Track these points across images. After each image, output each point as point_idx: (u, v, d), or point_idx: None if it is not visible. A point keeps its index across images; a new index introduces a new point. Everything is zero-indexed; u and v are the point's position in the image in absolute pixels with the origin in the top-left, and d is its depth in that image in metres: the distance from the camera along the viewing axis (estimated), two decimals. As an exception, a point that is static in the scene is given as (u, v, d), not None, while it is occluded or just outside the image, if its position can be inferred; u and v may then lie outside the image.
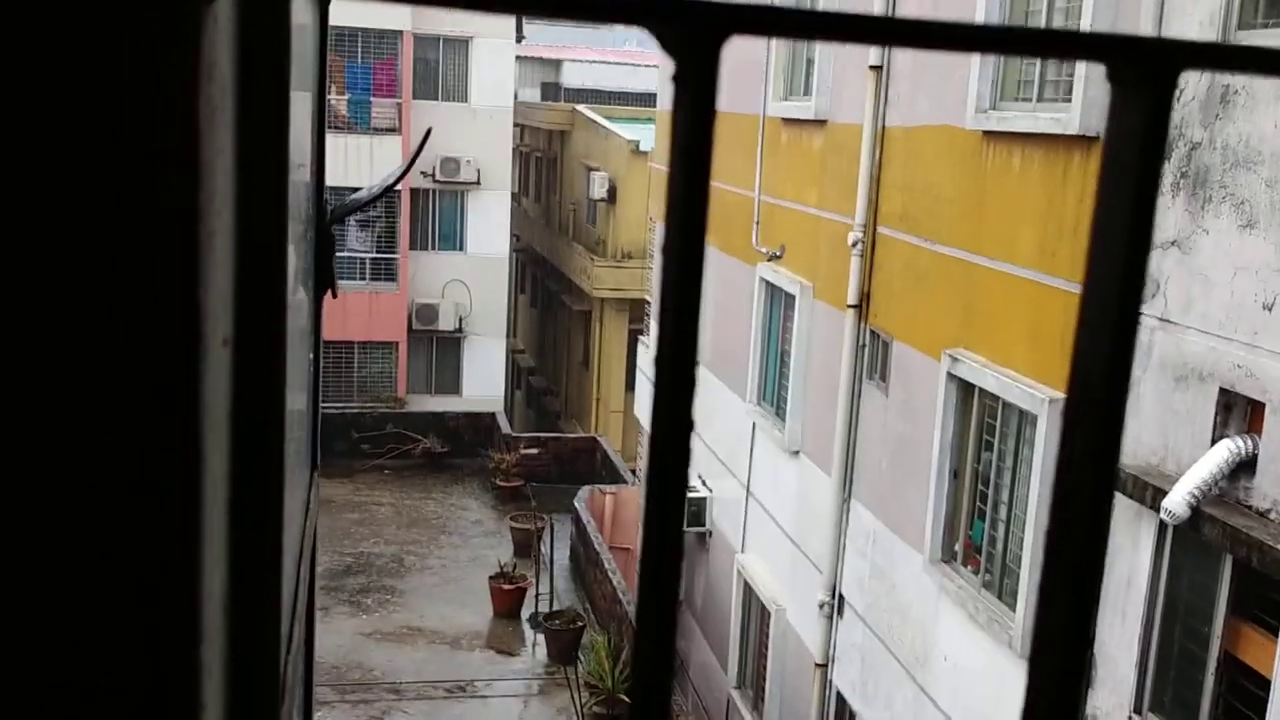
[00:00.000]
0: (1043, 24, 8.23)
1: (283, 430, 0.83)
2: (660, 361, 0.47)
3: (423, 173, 26.34)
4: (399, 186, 25.78)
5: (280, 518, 0.83)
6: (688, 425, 0.49)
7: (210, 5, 0.49)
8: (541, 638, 17.31)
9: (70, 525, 0.49)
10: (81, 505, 0.49)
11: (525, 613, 18.21)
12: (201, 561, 0.53)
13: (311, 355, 1.56)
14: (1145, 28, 6.92)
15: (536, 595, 18.09)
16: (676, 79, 0.48)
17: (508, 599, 18.21)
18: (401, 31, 25.50)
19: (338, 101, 25.81)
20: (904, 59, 10.14)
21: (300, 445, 1.41)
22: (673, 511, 0.49)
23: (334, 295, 1.64)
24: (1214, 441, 6.25)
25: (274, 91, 0.70)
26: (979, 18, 8.69)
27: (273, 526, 0.76)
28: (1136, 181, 0.52)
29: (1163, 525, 6.57)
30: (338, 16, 26.16)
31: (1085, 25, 7.46)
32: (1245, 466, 6.11)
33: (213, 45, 0.50)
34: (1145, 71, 0.52)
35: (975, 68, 8.79)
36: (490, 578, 18.41)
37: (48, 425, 0.49)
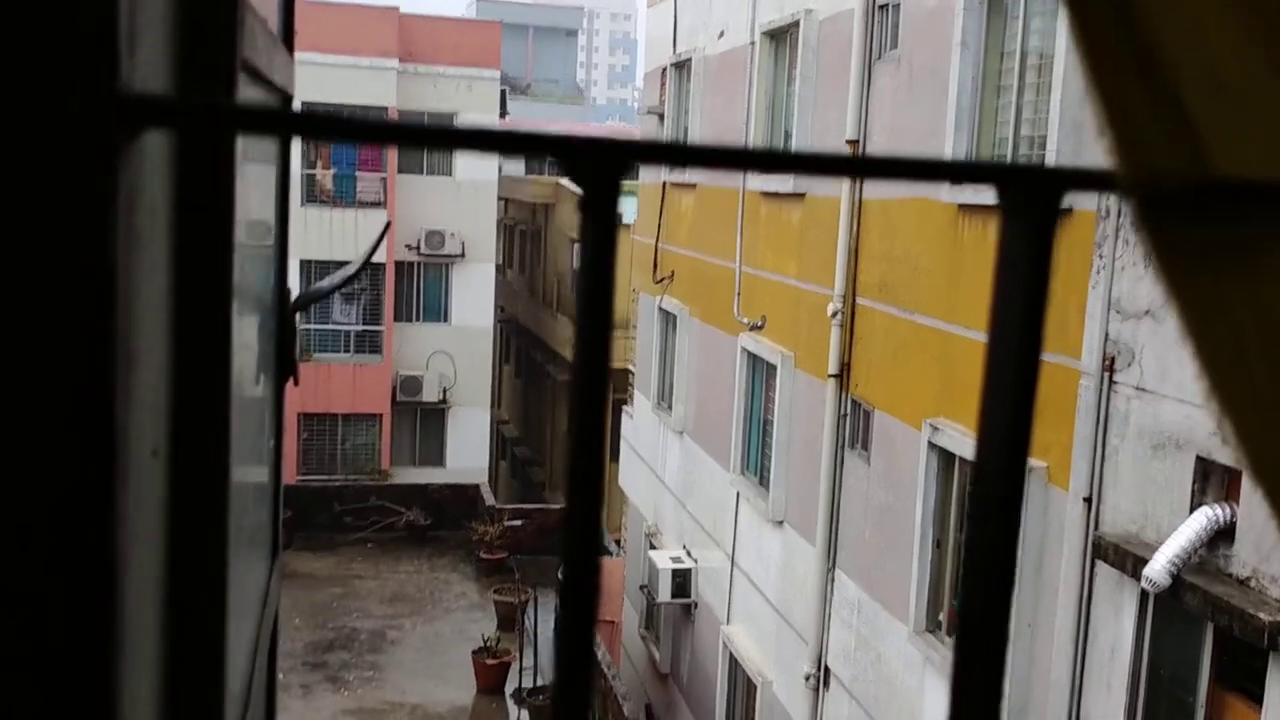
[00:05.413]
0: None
1: (225, 533, 0.84)
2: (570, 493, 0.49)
3: (407, 246, 26.50)
4: (383, 259, 25.92)
5: (223, 626, 0.84)
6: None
7: (136, 137, 0.52)
8: (525, 713, 17.07)
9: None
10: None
11: (509, 688, 17.98)
12: (119, 678, 0.54)
13: (273, 442, 1.58)
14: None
15: (520, 670, 17.88)
16: (583, 206, 0.52)
17: (491, 674, 17.98)
18: (387, 108, 25.81)
19: (323, 176, 26.03)
20: (880, 134, 10.30)
21: (257, 534, 1.42)
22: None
23: (295, 383, 1.66)
24: (1193, 509, 6.27)
25: (215, 215, 0.72)
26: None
27: (214, 634, 0.77)
28: (1025, 300, 0.54)
29: (1144, 594, 6.57)
30: (323, 93, 26.22)
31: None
32: (1224, 534, 6.12)
33: (138, 173, 0.52)
34: (1031, 195, 0.55)
35: (950, 140, 8.93)
36: (474, 652, 18.20)
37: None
